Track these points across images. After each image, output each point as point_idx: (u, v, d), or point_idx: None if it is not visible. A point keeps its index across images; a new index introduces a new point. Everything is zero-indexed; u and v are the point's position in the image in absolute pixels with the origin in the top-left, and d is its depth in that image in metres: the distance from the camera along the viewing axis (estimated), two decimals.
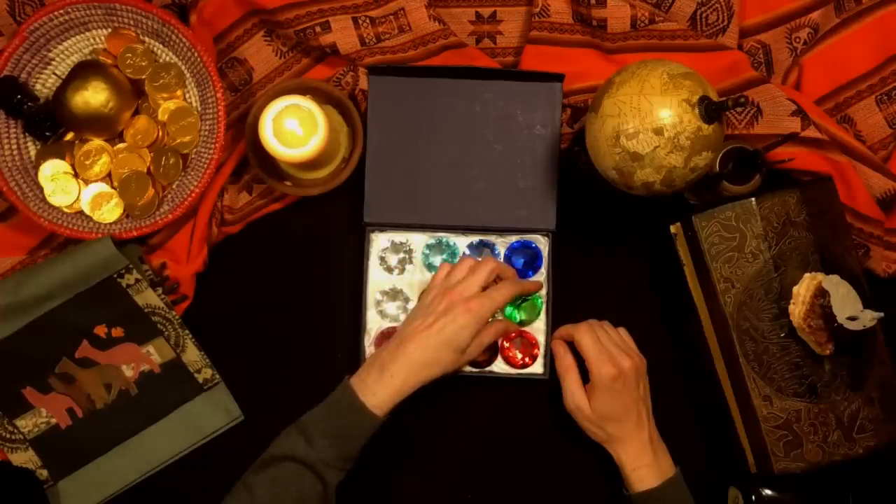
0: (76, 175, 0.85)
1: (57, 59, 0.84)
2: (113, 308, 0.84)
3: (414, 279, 0.87)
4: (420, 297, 0.80)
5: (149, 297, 0.84)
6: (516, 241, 0.87)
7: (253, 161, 0.84)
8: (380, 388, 0.72)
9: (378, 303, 0.86)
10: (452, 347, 0.74)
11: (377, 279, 0.86)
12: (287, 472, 0.71)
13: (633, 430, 0.79)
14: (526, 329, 0.86)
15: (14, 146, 0.83)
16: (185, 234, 0.86)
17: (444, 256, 0.86)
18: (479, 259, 0.81)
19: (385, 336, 0.86)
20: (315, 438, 0.71)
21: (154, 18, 0.82)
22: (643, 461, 0.78)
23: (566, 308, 0.86)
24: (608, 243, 0.89)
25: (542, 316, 0.86)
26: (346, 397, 0.72)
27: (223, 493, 0.73)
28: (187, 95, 0.86)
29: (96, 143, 0.85)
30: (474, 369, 0.86)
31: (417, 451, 0.88)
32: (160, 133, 0.86)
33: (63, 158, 0.84)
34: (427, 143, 0.86)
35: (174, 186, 0.86)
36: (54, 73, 0.85)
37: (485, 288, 0.77)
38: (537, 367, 0.86)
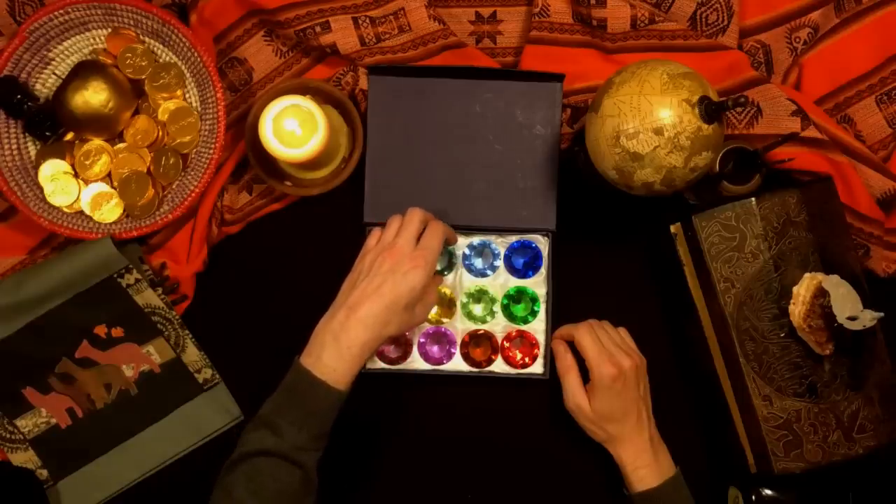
0: (76, 175, 0.85)
1: (57, 59, 0.84)
2: (113, 308, 0.84)
3: None
4: (355, 264, 0.77)
5: (149, 297, 0.84)
6: (516, 241, 0.86)
7: (253, 161, 0.84)
8: (339, 363, 0.70)
9: None
10: (404, 306, 0.73)
11: None
12: (261, 466, 0.69)
13: (633, 430, 0.79)
14: (526, 329, 0.86)
15: (14, 146, 0.83)
16: (185, 234, 0.86)
17: (444, 257, 0.86)
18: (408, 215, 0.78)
19: None
20: (283, 427, 0.69)
21: (154, 18, 0.82)
22: (643, 461, 0.78)
23: (566, 308, 0.86)
24: (608, 243, 0.89)
25: (542, 316, 0.86)
26: (304, 380, 0.70)
27: None
28: (187, 95, 0.86)
29: (96, 143, 0.85)
30: (474, 369, 0.86)
31: (417, 451, 0.88)
32: (160, 133, 0.86)
33: (63, 158, 0.84)
34: (427, 143, 0.86)
35: (174, 186, 0.86)
36: (54, 73, 0.85)
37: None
38: (537, 367, 0.86)
